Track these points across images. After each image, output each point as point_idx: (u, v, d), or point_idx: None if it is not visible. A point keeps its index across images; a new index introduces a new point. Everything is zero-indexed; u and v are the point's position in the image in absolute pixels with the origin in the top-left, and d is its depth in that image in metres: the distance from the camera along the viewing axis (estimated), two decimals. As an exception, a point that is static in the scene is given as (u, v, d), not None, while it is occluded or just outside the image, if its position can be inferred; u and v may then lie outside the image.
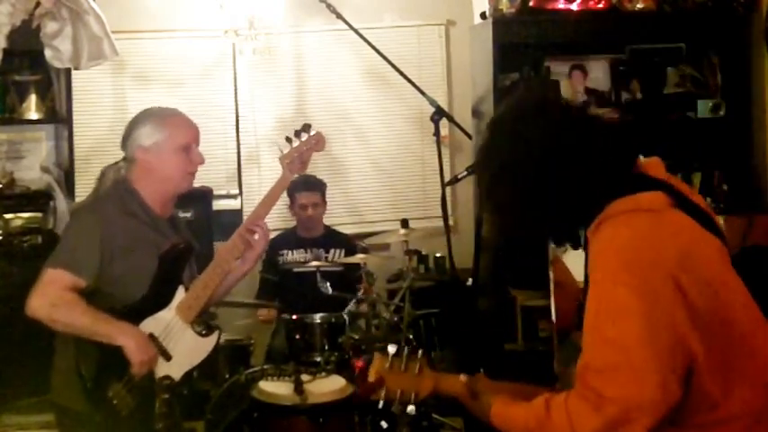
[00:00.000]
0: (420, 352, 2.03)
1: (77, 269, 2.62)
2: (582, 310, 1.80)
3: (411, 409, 2.00)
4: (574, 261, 2.19)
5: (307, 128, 2.94)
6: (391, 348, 2.00)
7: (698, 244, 1.78)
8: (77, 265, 2.62)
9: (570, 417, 1.72)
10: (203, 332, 2.81)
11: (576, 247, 1.89)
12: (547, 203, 1.84)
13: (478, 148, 1.98)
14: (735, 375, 1.73)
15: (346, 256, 4.84)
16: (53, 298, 2.59)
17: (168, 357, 2.69)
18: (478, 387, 2.00)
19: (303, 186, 4.91)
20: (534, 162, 1.83)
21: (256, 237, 2.84)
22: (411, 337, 4.30)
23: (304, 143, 2.91)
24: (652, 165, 1.90)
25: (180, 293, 2.75)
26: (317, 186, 4.96)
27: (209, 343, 2.81)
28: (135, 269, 2.69)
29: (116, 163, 2.84)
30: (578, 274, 2.04)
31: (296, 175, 2.98)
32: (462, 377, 2.01)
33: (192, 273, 2.88)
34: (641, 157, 1.90)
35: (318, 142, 2.93)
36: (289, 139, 2.92)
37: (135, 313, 2.66)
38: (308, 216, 4.95)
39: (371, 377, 1.99)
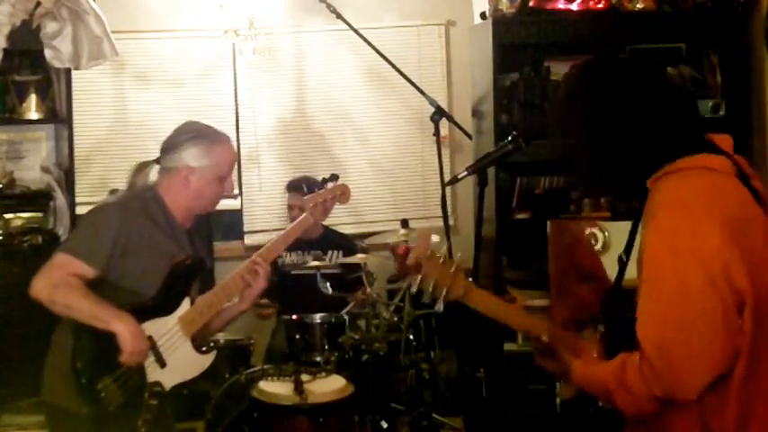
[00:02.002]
0: (457, 256, 2.09)
1: (86, 257, 2.65)
2: (614, 290, 1.91)
3: (440, 306, 2.04)
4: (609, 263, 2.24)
5: (334, 178, 3.08)
6: (435, 237, 2.05)
7: (755, 218, 1.83)
8: (87, 253, 2.66)
9: (644, 378, 1.78)
10: (202, 349, 2.83)
11: (629, 198, 1.95)
12: (624, 149, 1.90)
13: (561, 98, 2.04)
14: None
15: (345, 256, 4.83)
16: (56, 280, 2.63)
17: (163, 364, 2.71)
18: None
19: (291, 187, 4.94)
20: (618, 109, 1.89)
21: (259, 276, 2.87)
22: (411, 337, 4.31)
23: (329, 191, 3.03)
24: (722, 139, 1.94)
25: (185, 305, 2.78)
26: (301, 188, 4.86)
27: (205, 360, 2.84)
28: (144, 271, 2.72)
29: (148, 162, 2.87)
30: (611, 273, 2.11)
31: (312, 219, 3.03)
32: (544, 335, 2.04)
33: (200, 289, 2.89)
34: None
35: (344, 194, 3.06)
36: (312, 187, 3.06)
37: (138, 313, 2.67)
38: (292, 217, 4.94)
39: (411, 260, 2.04)
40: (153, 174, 2.90)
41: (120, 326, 2.60)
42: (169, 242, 2.78)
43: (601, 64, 2.01)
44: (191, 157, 2.80)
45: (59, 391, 2.69)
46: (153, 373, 2.69)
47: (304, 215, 3.00)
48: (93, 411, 2.62)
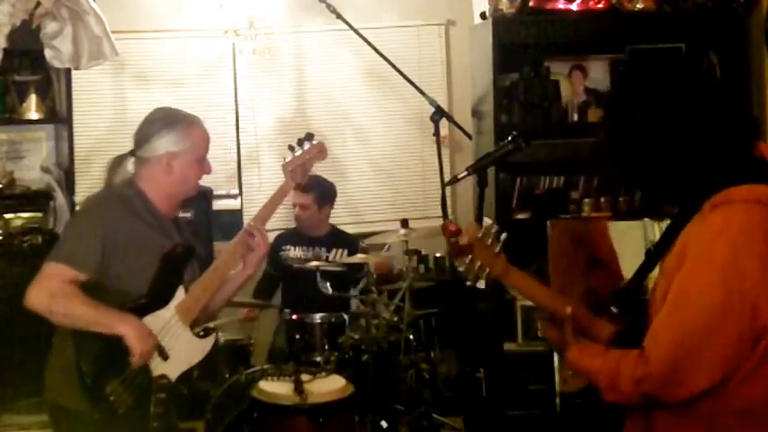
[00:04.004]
0: (503, 236, 2.14)
1: (78, 264, 2.63)
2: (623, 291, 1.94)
3: (482, 284, 2.14)
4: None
5: (309, 137, 3.00)
6: (487, 220, 2.09)
7: None
8: (78, 259, 2.63)
9: (637, 378, 1.81)
10: (201, 333, 2.81)
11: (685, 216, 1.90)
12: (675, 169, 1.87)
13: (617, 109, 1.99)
14: None
15: (349, 256, 4.83)
16: (52, 290, 2.60)
17: (165, 356, 2.69)
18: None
19: (306, 188, 4.92)
20: (664, 132, 1.86)
21: (256, 240, 2.85)
22: (411, 337, 4.31)
23: (306, 152, 2.98)
24: None
25: (180, 294, 2.75)
26: (308, 188, 4.86)
27: (206, 344, 2.81)
28: (136, 268, 2.69)
29: (124, 156, 2.84)
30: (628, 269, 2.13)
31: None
32: (568, 307, 2.08)
33: (193, 275, 2.88)
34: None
35: (320, 152, 3.02)
36: (291, 148, 2.97)
37: (134, 311, 2.66)
38: (295, 216, 4.95)
39: (463, 240, 2.11)
40: (129, 166, 2.85)
41: (126, 328, 2.59)
42: (157, 235, 2.75)
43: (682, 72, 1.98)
44: (170, 143, 2.77)
45: (65, 392, 2.67)
46: (157, 367, 2.68)
47: (285, 181, 2.96)
48: (105, 416, 2.60)
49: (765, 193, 1.82)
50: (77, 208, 4.59)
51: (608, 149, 1.98)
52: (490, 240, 2.12)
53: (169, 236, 2.79)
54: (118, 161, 2.85)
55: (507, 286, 2.18)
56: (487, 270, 2.11)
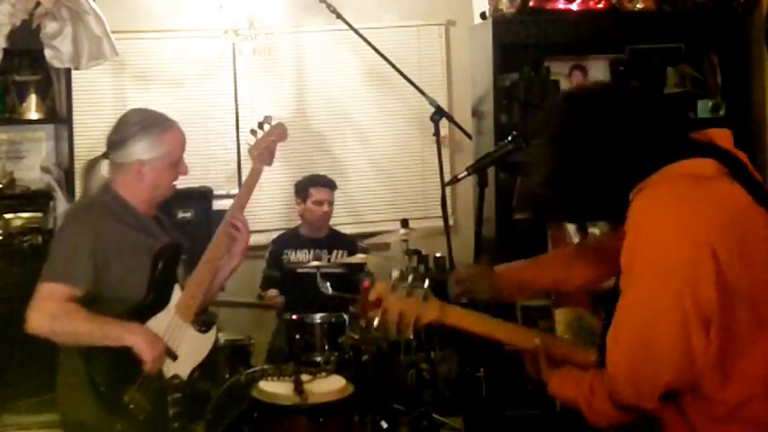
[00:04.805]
0: (426, 282, 2.10)
1: (73, 280, 2.59)
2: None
3: (409, 334, 2.05)
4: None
5: (268, 119, 3.05)
6: (394, 273, 2.06)
7: (744, 215, 1.80)
8: (72, 275, 2.59)
9: (609, 394, 1.80)
10: (202, 328, 2.82)
11: (615, 224, 1.90)
12: (599, 171, 1.87)
13: (541, 122, 2.02)
14: (736, 363, 1.77)
15: (349, 256, 4.84)
16: (53, 310, 2.56)
17: (174, 357, 2.69)
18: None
19: (322, 182, 4.93)
20: (585, 131, 1.88)
21: (239, 230, 2.88)
22: (411, 337, 4.30)
23: (268, 134, 3.03)
24: (720, 135, 1.91)
25: (177, 293, 2.75)
26: (331, 184, 4.98)
27: (209, 338, 2.83)
28: (129, 273, 2.67)
29: (97, 159, 2.81)
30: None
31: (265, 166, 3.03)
32: (535, 338, 2.04)
33: (185, 272, 2.88)
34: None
35: (281, 133, 3.06)
36: (253, 132, 3.03)
37: (136, 317, 2.64)
38: (322, 212, 4.93)
39: (371, 296, 2.04)
40: (104, 169, 2.82)
41: (133, 338, 2.57)
42: (142, 236, 2.74)
43: (573, 98, 2.00)
44: (141, 150, 2.72)
45: (81, 407, 2.63)
46: (169, 369, 2.68)
47: (253, 166, 3.00)
48: (126, 425, 2.58)
49: (693, 166, 1.81)
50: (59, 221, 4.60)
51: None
52: (406, 290, 2.05)
53: (154, 235, 2.78)
54: (91, 165, 2.82)
55: (455, 327, 2.10)
56: (413, 319, 2.04)
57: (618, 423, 1.86)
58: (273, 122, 3.04)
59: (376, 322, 2.05)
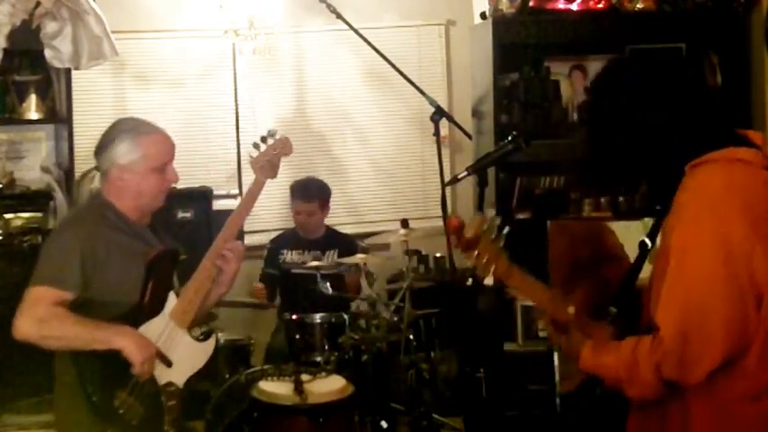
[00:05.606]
0: (506, 229, 2.08)
1: (61, 283, 2.57)
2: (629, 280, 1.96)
3: (489, 281, 2.06)
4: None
5: (272, 133, 2.98)
6: (490, 212, 2.05)
7: None
8: (60, 279, 2.58)
9: (656, 363, 1.82)
10: (200, 337, 2.80)
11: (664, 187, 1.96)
12: (662, 136, 1.95)
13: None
14: None
15: (346, 256, 4.83)
16: (41, 315, 2.54)
17: (169, 363, 2.67)
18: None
19: (300, 195, 4.91)
20: (655, 100, 1.95)
21: (227, 259, 2.82)
22: (411, 337, 4.31)
23: (271, 147, 2.96)
24: (755, 134, 2.00)
25: (172, 299, 2.73)
26: (314, 196, 4.91)
27: (208, 347, 2.81)
28: (120, 278, 2.65)
29: (90, 170, 2.82)
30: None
31: (267, 179, 2.99)
32: (570, 310, 2.06)
33: (181, 277, 2.86)
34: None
35: (285, 146, 2.98)
36: (256, 145, 2.96)
37: (128, 322, 2.62)
38: (300, 223, 4.95)
39: (469, 233, 2.03)
40: (96, 179, 2.84)
41: (123, 341, 2.55)
42: (135, 243, 2.72)
43: (632, 62, 2.11)
44: (118, 154, 2.71)
45: (79, 419, 2.62)
46: (162, 375, 2.66)
47: (255, 178, 2.95)
48: (118, 431, 2.58)
49: (745, 153, 1.90)
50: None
51: (592, 137, 2.04)
52: (494, 235, 2.05)
53: (148, 242, 2.76)
54: (84, 175, 2.83)
55: (508, 287, 2.13)
56: (493, 267, 2.05)
57: (652, 399, 1.88)
58: (278, 136, 2.98)
59: (471, 263, 2.05)
